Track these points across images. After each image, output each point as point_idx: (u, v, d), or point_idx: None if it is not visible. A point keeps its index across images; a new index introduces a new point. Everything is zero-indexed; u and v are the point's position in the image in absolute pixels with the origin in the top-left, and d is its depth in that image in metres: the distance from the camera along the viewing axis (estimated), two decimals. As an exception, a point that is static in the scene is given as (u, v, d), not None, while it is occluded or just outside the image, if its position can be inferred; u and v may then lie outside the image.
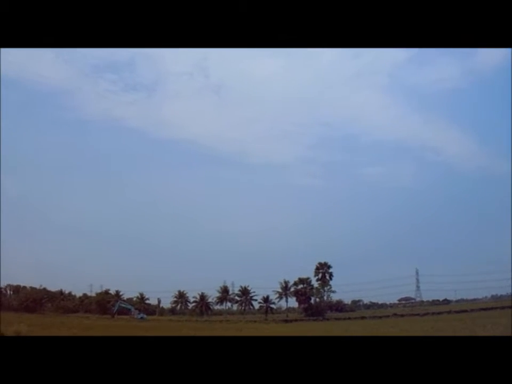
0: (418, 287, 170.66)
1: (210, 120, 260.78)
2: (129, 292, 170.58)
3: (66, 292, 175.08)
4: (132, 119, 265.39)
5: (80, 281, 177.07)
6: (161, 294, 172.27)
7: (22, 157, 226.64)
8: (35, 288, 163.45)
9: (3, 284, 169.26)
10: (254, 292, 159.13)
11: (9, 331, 40.77)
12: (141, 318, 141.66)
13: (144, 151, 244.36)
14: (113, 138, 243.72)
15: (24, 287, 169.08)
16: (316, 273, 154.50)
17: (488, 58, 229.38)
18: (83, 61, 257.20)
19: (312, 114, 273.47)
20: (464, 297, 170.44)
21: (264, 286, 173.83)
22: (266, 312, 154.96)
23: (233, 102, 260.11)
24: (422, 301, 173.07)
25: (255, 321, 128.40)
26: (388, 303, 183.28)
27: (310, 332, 66.08)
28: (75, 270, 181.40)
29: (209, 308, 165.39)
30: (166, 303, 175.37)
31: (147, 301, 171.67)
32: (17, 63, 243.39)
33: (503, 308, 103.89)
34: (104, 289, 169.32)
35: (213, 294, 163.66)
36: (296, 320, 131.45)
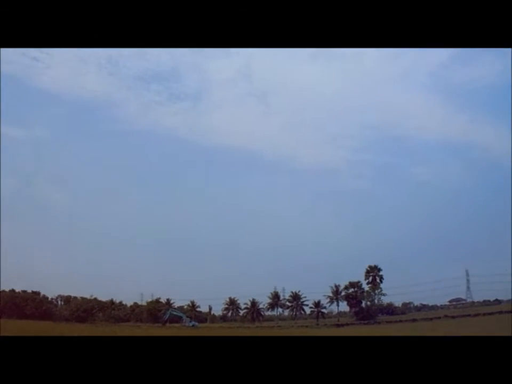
0: (468, 287, 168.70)
1: (257, 126, 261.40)
2: (180, 300, 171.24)
3: (117, 302, 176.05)
4: (179, 128, 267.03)
5: (130, 290, 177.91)
6: (212, 301, 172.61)
7: (72, 169, 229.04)
8: (86, 298, 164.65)
9: (54, 295, 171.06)
10: (305, 297, 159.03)
11: None
12: (192, 325, 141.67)
13: (193, 159, 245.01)
14: (162, 148, 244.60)
15: (75, 297, 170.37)
16: (366, 277, 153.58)
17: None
18: (127, 72, 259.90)
19: (358, 116, 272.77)
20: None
21: (315, 290, 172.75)
22: (317, 317, 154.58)
23: (279, 107, 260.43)
24: (473, 302, 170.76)
25: (306, 326, 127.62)
26: (438, 304, 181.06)
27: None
28: (126, 280, 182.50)
29: (261, 314, 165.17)
30: (217, 310, 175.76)
31: (198, 309, 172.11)
32: (60, 78, 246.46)
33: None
34: (155, 297, 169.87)
35: (264, 300, 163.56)
36: (347, 324, 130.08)
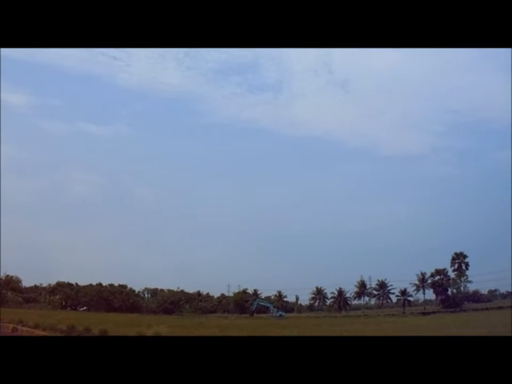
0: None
1: (339, 115, 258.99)
2: (267, 291, 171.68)
3: (204, 293, 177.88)
4: (261, 120, 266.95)
5: (217, 281, 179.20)
6: (299, 291, 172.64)
7: (156, 164, 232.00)
8: (172, 291, 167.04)
9: (141, 288, 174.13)
10: (391, 285, 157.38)
11: (149, 332, 41.73)
12: (279, 315, 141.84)
13: (277, 150, 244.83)
14: (246, 140, 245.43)
15: (162, 289, 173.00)
16: (452, 264, 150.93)
17: None
18: (205, 66, 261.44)
19: (439, 101, 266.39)
20: None
21: (401, 278, 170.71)
22: (404, 305, 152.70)
23: (360, 95, 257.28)
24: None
25: (393, 315, 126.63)
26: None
27: (447, 324, 64.12)
28: (212, 271, 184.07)
29: (347, 303, 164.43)
30: (304, 300, 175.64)
31: (285, 299, 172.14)
32: (140, 75, 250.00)
33: None
34: (241, 288, 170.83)
35: (350, 289, 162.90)
36: (433, 312, 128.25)
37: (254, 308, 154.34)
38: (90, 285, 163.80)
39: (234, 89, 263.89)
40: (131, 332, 44.36)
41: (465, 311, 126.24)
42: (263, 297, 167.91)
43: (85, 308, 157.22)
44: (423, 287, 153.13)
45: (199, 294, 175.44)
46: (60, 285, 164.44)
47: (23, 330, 51.54)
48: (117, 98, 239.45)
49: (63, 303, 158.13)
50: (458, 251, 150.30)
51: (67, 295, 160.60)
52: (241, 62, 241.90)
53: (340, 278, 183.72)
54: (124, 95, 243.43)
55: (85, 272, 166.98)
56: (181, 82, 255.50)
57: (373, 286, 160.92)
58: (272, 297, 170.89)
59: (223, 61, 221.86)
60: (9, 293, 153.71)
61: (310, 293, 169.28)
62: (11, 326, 54.77)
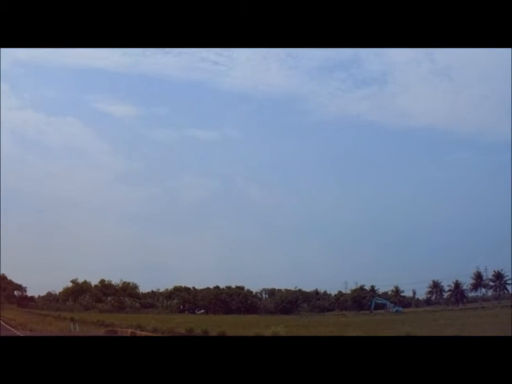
0: None
1: (444, 103, 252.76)
2: (384, 286, 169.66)
3: (321, 291, 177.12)
4: (368, 114, 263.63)
5: (334, 279, 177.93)
6: (416, 285, 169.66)
7: (266, 165, 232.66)
8: (290, 290, 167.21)
9: (258, 288, 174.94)
10: (507, 276, 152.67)
11: (267, 332, 41.63)
12: (396, 311, 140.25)
13: (386, 143, 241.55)
14: (354, 135, 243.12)
15: (279, 289, 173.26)
16: None
17: None
18: (308, 64, 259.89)
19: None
20: None
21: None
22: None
23: (464, 82, 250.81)
24: None
25: (511, 306, 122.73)
26: None
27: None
28: (329, 268, 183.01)
29: (464, 296, 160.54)
30: (421, 294, 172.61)
31: (402, 294, 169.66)
32: (243, 78, 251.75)
33: None
34: (358, 285, 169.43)
35: (467, 281, 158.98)
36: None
37: (373, 307, 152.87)
38: (208, 288, 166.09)
39: (339, 85, 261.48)
40: (249, 332, 43.97)
41: None
42: (380, 293, 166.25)
43: (202, 311, 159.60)
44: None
45: (316, 292, 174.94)
46: (177, 289, 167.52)
47: (142, 335, 51.72)
48: (222, 102, 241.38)
49: (181, 307, 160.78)
50: None
51: (184, 299, 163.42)
52: (343, 57, 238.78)
53: (456, 270, 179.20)
54: (229, 99, 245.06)
55: (202, 275, 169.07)
56: (284, 82, 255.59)
57: (489, 277, 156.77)
58: (389, 293, 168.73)
59: (325, 57, 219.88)
60: (126, 299, 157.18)
61: (427, 286, 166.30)
62: (129, 331, 55.31)
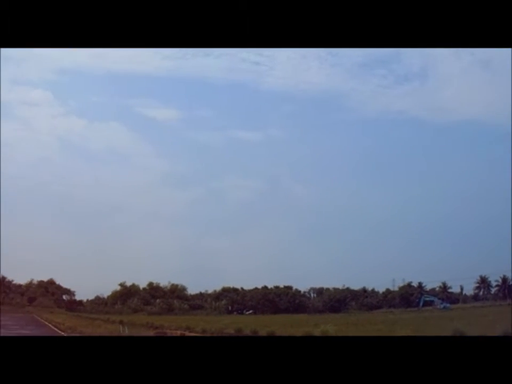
0: None
1: (486, 96, 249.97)
2: (431, 282, 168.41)
3: (369, 289, 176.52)
4: (411, 109, 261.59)
5: (382, 276, 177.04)
6: (464, 281, 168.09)
7: (311, 164, 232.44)
8: (338, 289, 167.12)
9: (306, 288, 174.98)
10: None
11: (317, 331, 41.62)
12: (444, 307, 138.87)
13: (428, 139, 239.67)
14: (397, 131, 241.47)
15: (327, 288, 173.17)
16: None
17: None
18: (348, 61, 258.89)
19: None
20: None
21: None
22: None
23: (505, 73, 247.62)
24: None
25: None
26: None
27: None
28: (376, 266, 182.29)
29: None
30: (469, 290, 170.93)
31: (450, 290, 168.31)
32: (285, 77, 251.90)
33: None
34: (406, 282, 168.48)
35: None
36: None
37: (421, 304, 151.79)
38: (256, 288, 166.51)
39: (380, 81, 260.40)
40: (298, 332, 43.97)
41: None
42: (427, 289, 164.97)
43: (251, 311, 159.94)
44: None
45: (364, 290, 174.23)
46: (225, 290, 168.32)
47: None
48: (264, 102, 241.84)
49: (229, 308, 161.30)
50: None
51: (233, 299, 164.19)
52: (383, 53, 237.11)
53: (504, 265, 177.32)
54: (271, 99, 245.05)
55: (250, 276, 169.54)
56: (326, 80, 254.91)
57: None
58: (437, 289, 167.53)
59: (365, 54, 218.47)
60: (175, 301, 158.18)
61: (475, 282, 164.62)
62: (179, 332, 55.65)
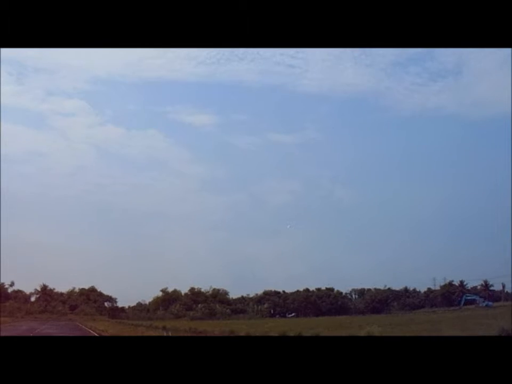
0: None
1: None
2: (473, 281, 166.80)
3: (411, 289, 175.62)
4: (446, 106, 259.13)
5: (423, 276, 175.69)
6: (505, 278, 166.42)
7: (349, 164, 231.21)
8: (380, 289, 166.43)
9: (348, 289, 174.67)
10: None
11: (362, 333, 42.17)
12: (486, 305, 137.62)
13: (466, 135, 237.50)
14: (434, 128, 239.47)
15: (369, 289, 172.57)
16: None
17: None
18: (382, 60, 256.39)
19: None
20: None
21: None
22: None
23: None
24: None
25: None
26: None
27: None
28: (418, 266, 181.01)
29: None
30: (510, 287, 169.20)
31: (491, 288, 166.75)
32: (320, 79, 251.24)
33: None
34: (447, 281, 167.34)
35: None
36: None
37: (462, 303, 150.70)
38: (297, 291, 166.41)
39: (415, 79, 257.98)
40: (343, 333, 44.24)
41: None
42: (469, 288, 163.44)
43: (293, 314, 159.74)
44: None
45: (406, 290, 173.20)
46: (267, 294, 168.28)
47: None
48: (300, 104, 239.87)
49: (271, 311, 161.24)
50: None
51: (275, 303, 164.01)
52: (416, 51, 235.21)
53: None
54: (307, 101, 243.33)
55: (291, 278, 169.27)
56: (361, 80, 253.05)
57: None
58: (478, 287, 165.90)
59: (398, 53, 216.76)
60: (217, 306, 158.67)
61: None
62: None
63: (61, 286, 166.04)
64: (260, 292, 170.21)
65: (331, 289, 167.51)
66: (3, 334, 49.97)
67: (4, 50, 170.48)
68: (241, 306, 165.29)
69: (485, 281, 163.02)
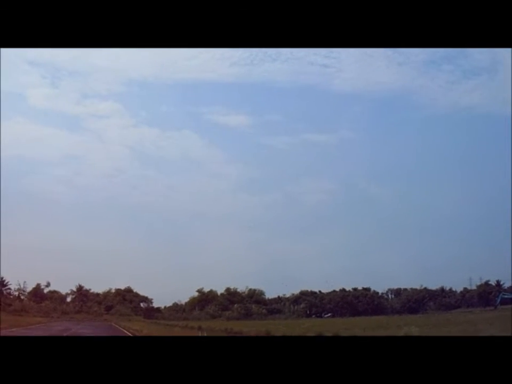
0: None
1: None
2: (510, 280, 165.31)
3: (447, 289, 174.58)
4: (480, 104, 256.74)
5: (459, 275, 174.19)
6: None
7: (386, 163, 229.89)
8: (416, 289, 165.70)
9: (384, 289, 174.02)
10: None
11: (400, 333, 42.11)
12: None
13: (500, 133, 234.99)
14: (468, 126, 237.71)
15: (405, 289, 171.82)
16: None
17: None
18: (415, 59, 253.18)
19: None
20: None
21: None
22: None
23: None
24: None
25: None
26: None
27: None
28: (454, 265, 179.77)
29: None
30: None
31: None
32: (353, 78, 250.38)
33: None
34: (483, 280, 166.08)
35: None
36: None
37: (498, 301, 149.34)
38: (334, 291, 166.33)
39: (449, 77, 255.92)
40: (382, 334, 44.12)
41: None
42: (505, 287, 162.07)
43: (329, 314, 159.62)
44: None
45: (442, 290, 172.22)
46: (304, 294, 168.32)
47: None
48: (334, 104, 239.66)
49: (308, 312, 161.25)
50: None
51: (311, 303, 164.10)
52: (449, 48, 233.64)
53: None
54: (341, 100, 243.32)
55: (327, 278, 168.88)
56: (394, 79, 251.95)
57: None
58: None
59: (431, 50, 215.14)
60: (253, 306, 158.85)
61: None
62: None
63: (97, 287, 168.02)
64: (296, 291, 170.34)
65: (367, 289, 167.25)
66: (37, 333, 50.52)
67: (36, 53, 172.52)
68: (277, 307, 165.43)
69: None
